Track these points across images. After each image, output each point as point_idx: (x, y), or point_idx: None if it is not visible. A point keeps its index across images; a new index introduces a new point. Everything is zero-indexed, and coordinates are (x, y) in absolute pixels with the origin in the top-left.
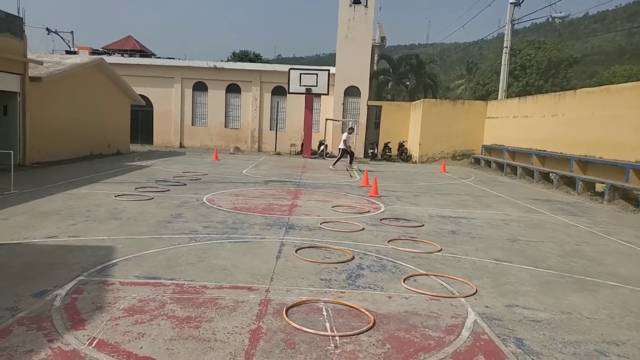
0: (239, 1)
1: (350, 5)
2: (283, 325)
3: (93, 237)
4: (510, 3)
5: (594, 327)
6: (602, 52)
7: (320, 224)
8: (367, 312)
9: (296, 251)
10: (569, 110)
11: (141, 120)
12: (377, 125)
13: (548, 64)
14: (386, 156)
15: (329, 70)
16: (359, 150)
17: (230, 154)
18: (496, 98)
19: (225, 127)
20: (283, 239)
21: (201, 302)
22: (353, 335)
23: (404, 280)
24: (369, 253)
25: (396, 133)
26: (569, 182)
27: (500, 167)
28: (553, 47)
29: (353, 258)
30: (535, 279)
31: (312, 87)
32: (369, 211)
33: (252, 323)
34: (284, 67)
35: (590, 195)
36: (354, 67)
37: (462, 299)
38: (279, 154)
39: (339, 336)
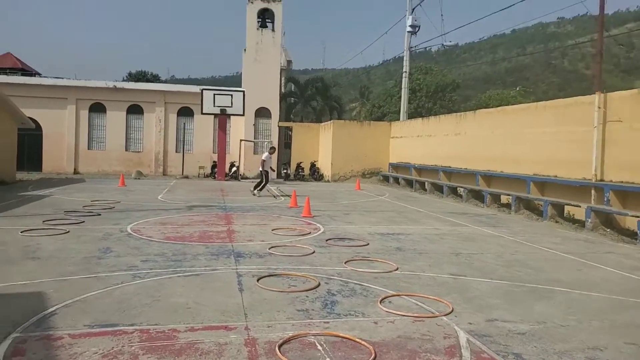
0: (126, 24)
1: (257, 29)
2: None
3: (11, 283)
4: (408, 32)
5: (573, 335)
6: (472, 78)
7: (269, 249)
8: (363, 342)
9: (258, 280)
10: (470, 129)
11: (27, 144)
12: (287, 145)
13: (436, 87)
14: (299, 176)
15: (244, 91)
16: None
17: (135, 179)
18: (391, 119)
19: (126, 150)
20: (236, 268)
21: (178, 349)
22: None
23: (380, 302)
24: (332, 277)
25: (307, 153)
26: (477, 196)
27: (409, 183)
28: (438, 72)
29: (319, 284)
30: (495, 290)
31: (226, 108)
32: (309, 232)
33: None
34: (192, 88)
35: (498, 206)
36: (264, 89)
37: (444, 318)
38: (187, 177)
39: None
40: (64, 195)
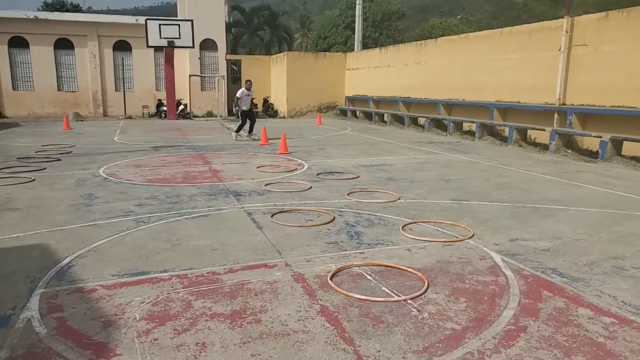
0: None
1: None
2: (344, 298)
3: (3, 237)
4: None
5: (590, 247)
6: (409, 7)
7: (265, 186)
8: (410, 269)
9: (272, 217)
10: (431, 58)
11: None
12: (235, 80)
13: (382, 17)
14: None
15: (192, 21)
16: (222, 108)
17: (75, 121)
18: (338, 50)
19: (58, 90)
20: (243, 207)
21: (228, 291)
22: (421, 295)
23: (402, 229)
24: (342, 210)
25: (258, 88)
26: (439, 125)
27: (368, 116)
28: (383, 0)
29: (334, 218)
30: (501, 212)
31: (174, 40)
32: (295, 169)
33: (312, 303)
34: (127, 19)
35: (461, 134)
36: (208, 18)
37: (470, 241)
38: (130, 117)
39: (410, 299)
40: (4, 140)
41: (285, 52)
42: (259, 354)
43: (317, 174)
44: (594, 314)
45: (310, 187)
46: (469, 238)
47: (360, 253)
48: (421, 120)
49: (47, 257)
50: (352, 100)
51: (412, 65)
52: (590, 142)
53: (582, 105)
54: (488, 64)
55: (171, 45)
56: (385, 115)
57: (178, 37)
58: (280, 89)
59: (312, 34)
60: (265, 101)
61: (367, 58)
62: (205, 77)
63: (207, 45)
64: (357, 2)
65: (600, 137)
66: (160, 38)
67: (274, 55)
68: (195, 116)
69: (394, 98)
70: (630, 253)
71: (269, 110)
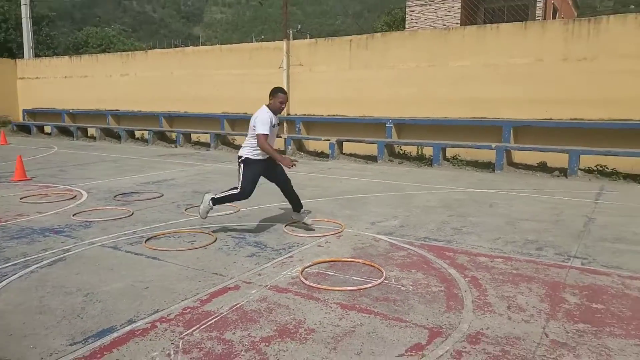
0: None
1: None
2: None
3: None
4: None
5: (422, 220)
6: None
7: (73, 216)
8: (348, 260)
9: (145, 242)
10: (141, 70)
11: None
12: None
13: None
14: None
15: None
16: None
17: None
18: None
19: None
20: (92, 242)
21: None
22: (384, 279)
23: (285, 228)
24: (212, 225)
25: None
26: (163, 137)
27: (65, 131)
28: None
29: (216, 239)
30: (334, 205)
31: None
32: (71, 195)
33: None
34: None
35: (192, 145)
36: None
37: (349, 230)
38: None
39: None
40: None
41: None
42: None
43: (114, 197)
44: (489, 259)
45: (132, 213)
46: (346, 228)
47: (292, 258)
48: (138, 134)
49: None
50: (33, 114)
51: (118, 76)
52: (314, 145)
53: (305, 114)
54: (210, 78)
55: None
56: (94, 130)
57: None
58: None
59: None
60: None
61: (51, 67)
62: None
63: None
64: (23, 2)
65: (329, 139)
66: None
67: None
68: None
69: (100, 111)
70: (442, 218)
71: None
